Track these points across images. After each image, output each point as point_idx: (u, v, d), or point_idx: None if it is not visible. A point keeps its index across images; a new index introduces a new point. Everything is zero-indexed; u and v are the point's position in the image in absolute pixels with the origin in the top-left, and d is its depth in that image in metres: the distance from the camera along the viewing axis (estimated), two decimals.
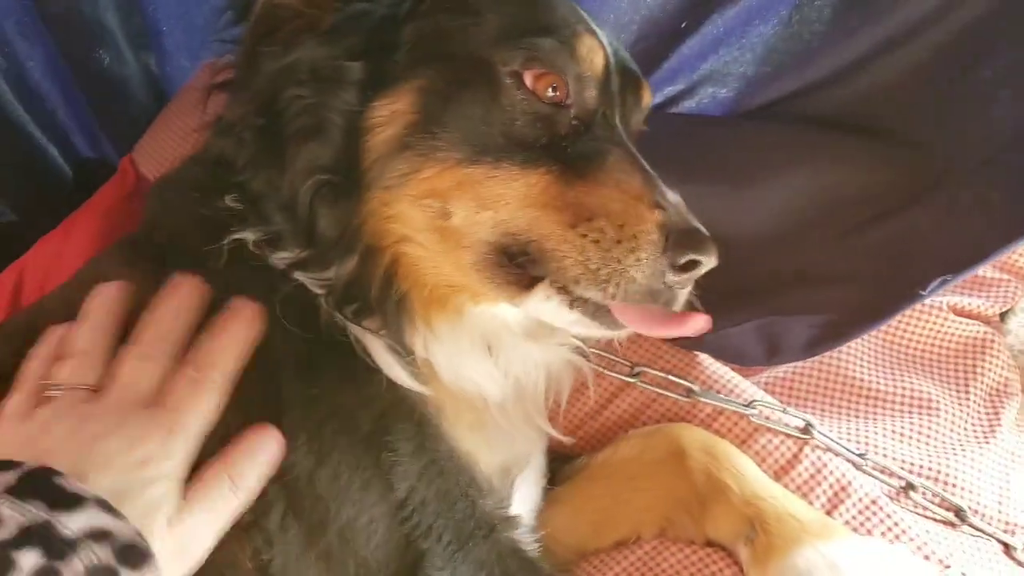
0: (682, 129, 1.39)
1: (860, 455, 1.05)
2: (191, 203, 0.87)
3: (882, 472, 1.05)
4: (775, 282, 1.20)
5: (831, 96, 1.27)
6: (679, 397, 1.06)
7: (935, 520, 1.03)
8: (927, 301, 1.22)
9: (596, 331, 0.85)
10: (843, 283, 1.15)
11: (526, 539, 0.88)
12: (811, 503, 0.99)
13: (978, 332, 1.24)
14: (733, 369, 1.15)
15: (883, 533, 0.97)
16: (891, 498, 1.03)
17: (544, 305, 0.82)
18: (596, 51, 0.85)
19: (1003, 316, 1.38)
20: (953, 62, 1.14)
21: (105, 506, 0.62)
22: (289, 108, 0.81)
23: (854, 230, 1.23)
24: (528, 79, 0.80)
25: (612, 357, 1.12)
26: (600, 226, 0.76)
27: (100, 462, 0.67)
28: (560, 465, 1.11)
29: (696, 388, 1.05)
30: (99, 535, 0.60)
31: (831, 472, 1.02)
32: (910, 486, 1.04)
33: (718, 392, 1.08)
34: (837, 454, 1.04)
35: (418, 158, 0.79)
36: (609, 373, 1.10)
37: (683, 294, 0.83)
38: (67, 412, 0.72)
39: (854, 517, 0.98)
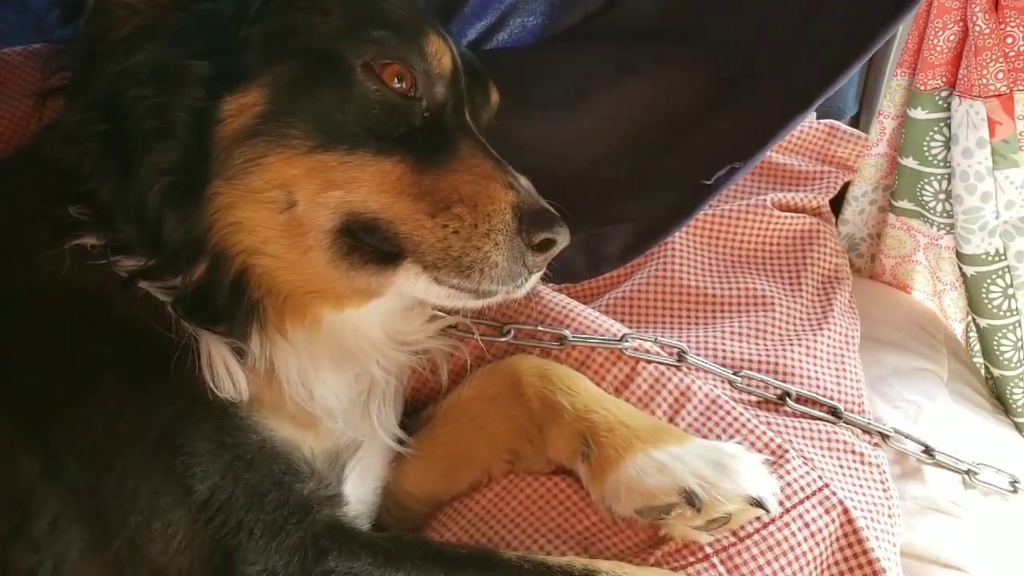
0: (503, 64, 1.36)
1: (735, 373, 1.05)
2: (28, 212, 0.84)
3: (758, 386, 1.06)
4: (605, 196, 1.20)
5: (634, 8, 1.26)
6: (552, 346, 1.04)
7: (812, 418, 1.04)
8: (750, 202, 1.23)
9: (469, 302, 0.87)
10: (662, 189, 1.15)
11: (351, 514, 0.87)
12: (653, 412, 0.98)
13: (805, 224, 1.26)
14: (569, 293, 1.14)
15: (724, 430, 0.97)
16: (767, 410, 1.04)
17: (413, 282, 0.83)
18: (443, 51, 0.89)
19: (837, 207, 1.41)
20: None
21: None
22: (133, 110, 0.78)
23: (681, 135, 1.23)
24: (379, 70, 0.82)
25: (479, 322, 1.07)
26: (458, 213, 0.79)
27: None
28: (407, 418, 1.07)
29: (568, 334, 1.04)
30: None
31: (669, 379, 1.01)
32: (785, 394, 1.05)
33: (583, 333, 1.05)
34: (712, 374, 1.04)
35: (267, 145, 0.79)
36: (480, 338, 1.06)
37: (536, 277, 0.86)
38: None
39: (696, 419, 0.99)
